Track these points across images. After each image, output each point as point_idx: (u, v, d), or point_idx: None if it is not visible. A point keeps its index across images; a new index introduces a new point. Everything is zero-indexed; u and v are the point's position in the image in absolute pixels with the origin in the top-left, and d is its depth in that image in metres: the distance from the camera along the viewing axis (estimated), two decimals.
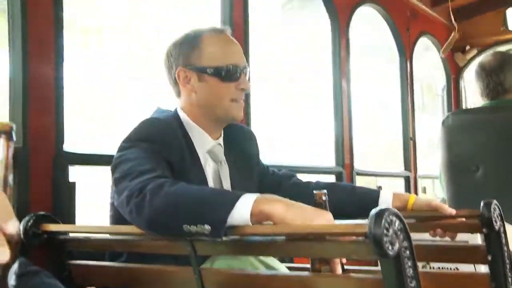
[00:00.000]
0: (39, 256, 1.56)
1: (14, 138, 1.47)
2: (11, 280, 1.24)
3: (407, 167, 3.99)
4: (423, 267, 1.99)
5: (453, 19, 3.87)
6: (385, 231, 0.94)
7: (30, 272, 1.39)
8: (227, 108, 1.57)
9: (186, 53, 1.57)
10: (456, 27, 3.90)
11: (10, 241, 0.66)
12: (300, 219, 1.13)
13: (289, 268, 1.44)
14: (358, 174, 3.32)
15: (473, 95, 2.74)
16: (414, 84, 4.16)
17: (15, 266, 1.25)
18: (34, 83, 1.69)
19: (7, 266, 0.65)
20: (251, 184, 1.66)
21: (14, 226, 0.68)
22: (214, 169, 1.61)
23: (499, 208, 1.43)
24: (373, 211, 0.96)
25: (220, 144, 1.64)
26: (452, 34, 3.93)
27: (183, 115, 1.60)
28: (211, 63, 1.55)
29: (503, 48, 4.48)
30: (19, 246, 1.37)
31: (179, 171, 1.43)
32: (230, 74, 1.55)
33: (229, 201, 1.18)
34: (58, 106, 1.74)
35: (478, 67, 2.63)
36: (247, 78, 1.60)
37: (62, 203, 1.70)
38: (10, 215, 0.69)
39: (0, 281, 1.09)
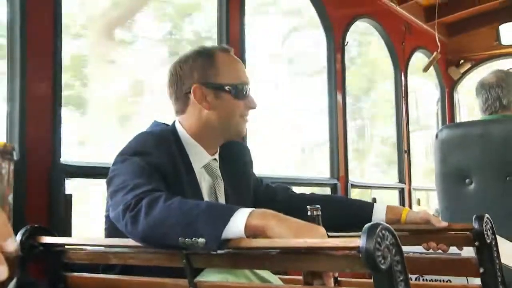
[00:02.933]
0: (36, 268, 1.56)
1: (15, 158, 1.47)
2: None
3: (401, 179, 4.01)
4: (416, 279, 2.00)
5: (437, 39, 3.91)
6: (377, 246, 0.96)
7: (27, 283, 1.40)
8: (236, 124, 1.62)
9: (201, 70, 1.59)
10: (439, 47, 3.95)
11: (9, 258, 0.68)
12: (293, 234, 1.14)
13: (283, 280, 1.45)
14: (353, 186, 3.34)
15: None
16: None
17: (13, 281, 1.26)
18: (32, 96, 1.71)
19: (5, 283, 0.67)
20: (246, 199, 1.67)
21: (12, 244, 0.70)
22: (210, 184, 1.62)
23: (490, 222, 1.45)
24: (366, 226, 0.98)
25: (216, 159, 1.65)
26: (434, 54, 3.98)
27: (181, 130, 1.61)
28: (228, 81, 1.59)
29: (498, 63, 4.54)
30: (17, 263, 1.38)
31: (174, 185, 1.43)
32: (242, 92, 1.60)
33: (224, 215, 1.19)
34: (55, 119, 1.75)
35: (478, 83, 2.66)
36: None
37: (59, 215, 1.71)
38: (9, 233, 0.71)
39: None
